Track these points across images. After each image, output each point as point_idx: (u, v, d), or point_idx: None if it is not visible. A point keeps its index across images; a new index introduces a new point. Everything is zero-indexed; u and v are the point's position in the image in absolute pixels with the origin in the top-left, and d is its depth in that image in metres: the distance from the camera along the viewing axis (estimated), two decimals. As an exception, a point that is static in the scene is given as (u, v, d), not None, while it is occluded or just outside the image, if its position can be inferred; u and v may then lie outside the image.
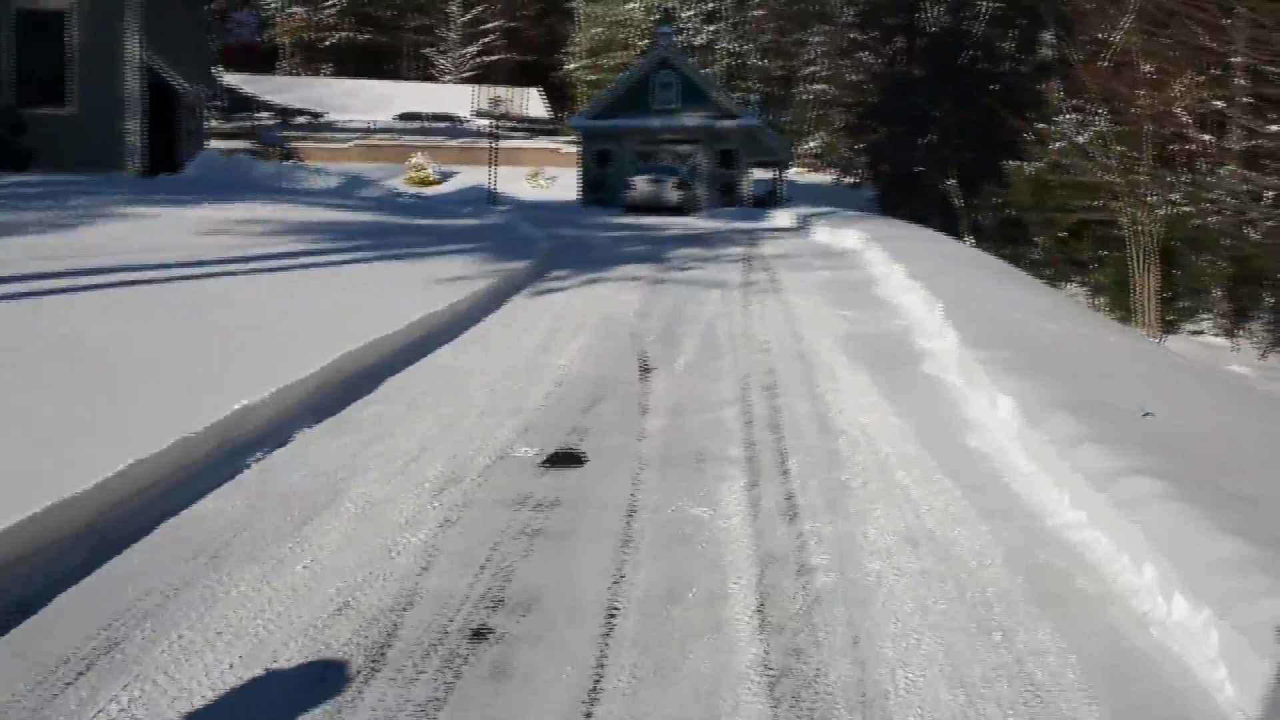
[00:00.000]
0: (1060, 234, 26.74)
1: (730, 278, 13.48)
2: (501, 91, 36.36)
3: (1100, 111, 24.86)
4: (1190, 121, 22.84)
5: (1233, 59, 21.93)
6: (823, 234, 19.62)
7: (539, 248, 14.92)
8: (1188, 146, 23.57)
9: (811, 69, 63.77)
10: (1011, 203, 29.69)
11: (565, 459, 5.75)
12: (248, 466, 5.28)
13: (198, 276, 10.15)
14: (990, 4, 47.14)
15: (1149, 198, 22.81)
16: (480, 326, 9.40)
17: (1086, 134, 25.67)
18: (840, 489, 5.28)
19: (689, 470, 5.55)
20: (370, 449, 5.68)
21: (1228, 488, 4.53)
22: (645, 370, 7.93)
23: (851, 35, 54.49)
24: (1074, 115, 27.00)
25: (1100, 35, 24.87)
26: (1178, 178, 23.41)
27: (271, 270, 10.96)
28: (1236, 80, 21.92)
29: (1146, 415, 5.89)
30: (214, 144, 41.24)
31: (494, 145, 35.83)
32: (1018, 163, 28.96)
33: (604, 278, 12.98)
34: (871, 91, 50.56)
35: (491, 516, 4.77)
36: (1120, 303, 24.34)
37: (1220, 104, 21.04)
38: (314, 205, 19.38)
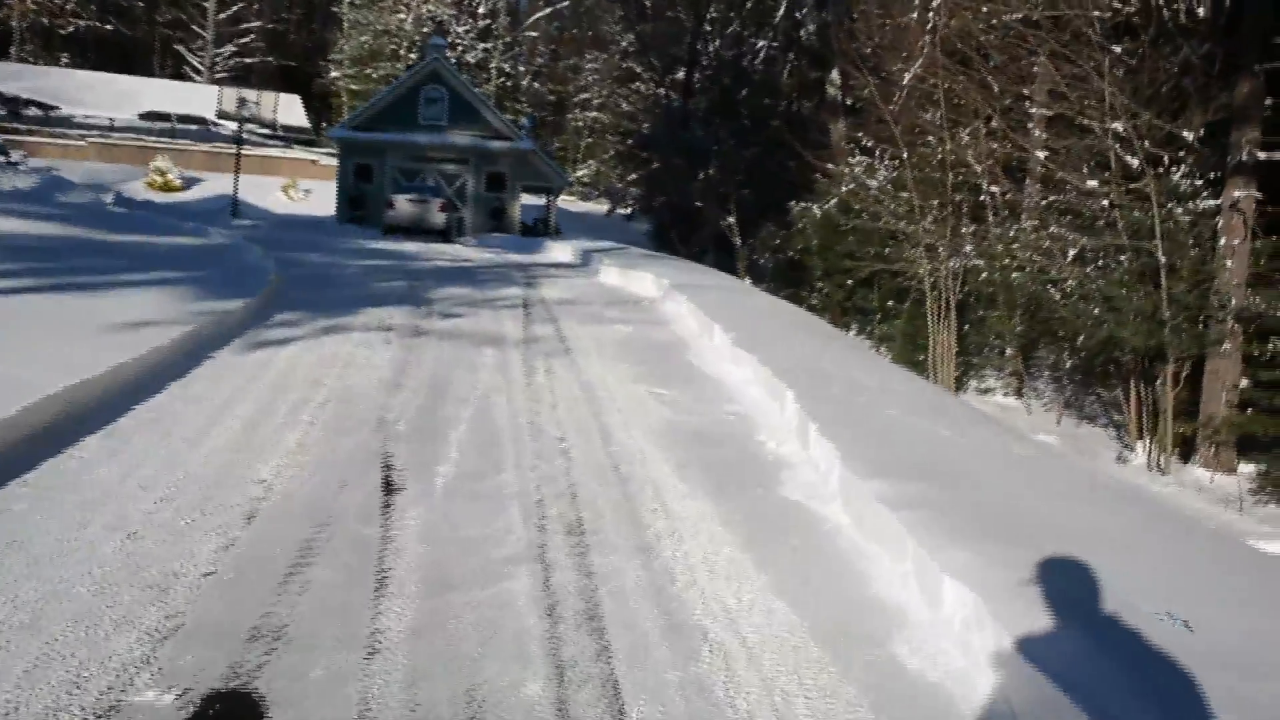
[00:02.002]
0: (847, 281, 25.41)
1: (508, 331, 10.85)
2: (251, 94, 32.63)
3: (894, 156, 23.65)
4: (981, 170, 21.83)
5: (1033, 109, 21.05)
6: (611, 275, 17.28)
7: (267, 279, 11.92)
8: (981, 197, 22.57)
9: (585, 95, 62.41)
10: (795, 245, 28.24)
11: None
12: None
13: None
14: (768, 43, 46.52)
15: (941, 249, 21.62)
16: (155, 402, 6.53)
17: (877, 177, 24.43)
18: (737, 805, 2.89)
19: (456, 747, 3.04)
20: None
21: None
22: (390, 490, 5.33)
23: (628, 64, 53.30)
24: (863, 158, 25.79)
25: (896, 71, 23.70)
26: (969, 230, 22.38)
27: None
28: (1035, 131, 21.00)
29: (1177, 623, 3.75)
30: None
31: (239, 151, 32.12)
32: (804, 204, 27.58)
33: (347, 326, 10.09)
34: (647, 121, 49.39)
35: None
36: (908, 356, 23.08)
37: (1039, 153, 19.99)
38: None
